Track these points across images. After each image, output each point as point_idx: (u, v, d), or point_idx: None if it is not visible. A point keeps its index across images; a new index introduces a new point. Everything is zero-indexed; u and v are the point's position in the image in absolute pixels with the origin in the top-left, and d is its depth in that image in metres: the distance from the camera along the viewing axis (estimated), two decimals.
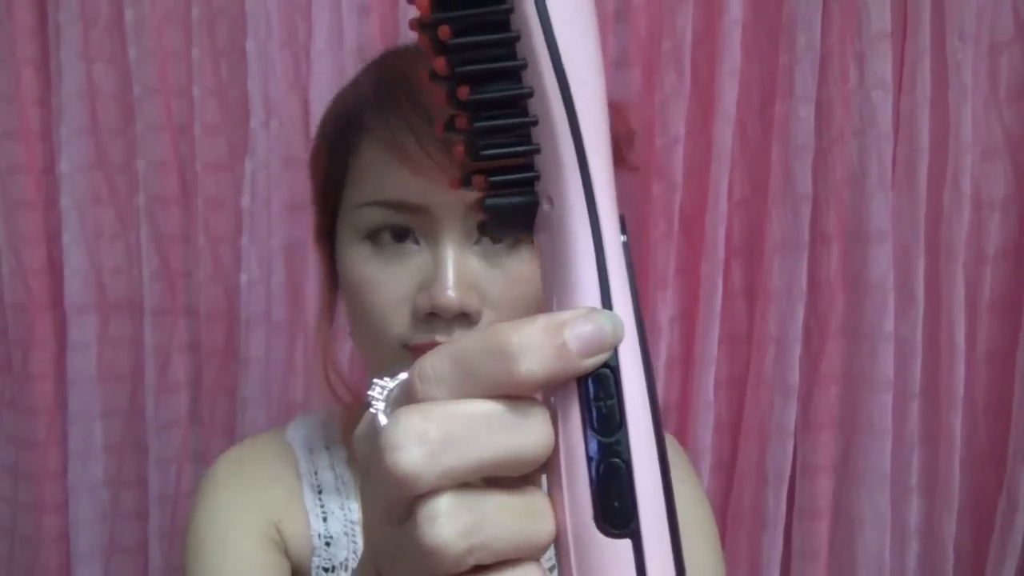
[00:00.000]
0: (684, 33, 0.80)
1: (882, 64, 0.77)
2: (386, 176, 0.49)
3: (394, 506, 0.21)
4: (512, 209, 0.23)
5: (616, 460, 0.22)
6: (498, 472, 0.21)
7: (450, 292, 0.47)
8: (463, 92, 0.22)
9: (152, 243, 0.90)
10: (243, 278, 0.87)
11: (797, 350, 0.81)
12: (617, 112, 0.61)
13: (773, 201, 0.81)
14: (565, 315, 0.21)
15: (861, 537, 0.81)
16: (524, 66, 0.22)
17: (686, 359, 0.85)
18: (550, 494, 0.23)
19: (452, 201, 0.48)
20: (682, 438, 0.84)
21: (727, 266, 0.83)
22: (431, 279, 0.48)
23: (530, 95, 0.22)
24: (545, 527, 0.22)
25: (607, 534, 0.22)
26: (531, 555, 0.22)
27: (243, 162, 0.86)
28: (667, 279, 0.83)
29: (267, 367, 0.87)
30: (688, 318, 0.85)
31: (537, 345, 0.21)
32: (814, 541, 0.82)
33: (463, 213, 0.48)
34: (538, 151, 0.23)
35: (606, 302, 0.22)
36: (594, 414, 0.22)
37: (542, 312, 0.23)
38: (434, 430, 0.20)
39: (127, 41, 0.87)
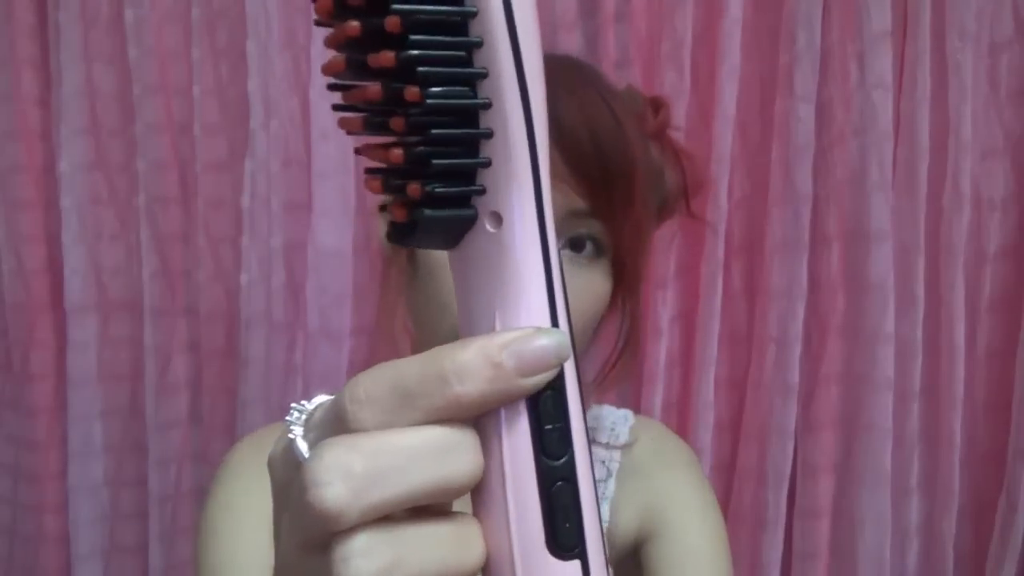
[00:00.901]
0: (684, 33, 0.80)
1: (882, 64, 0.77)
2: None
3: (312, 538, 0.21)
4: (450, 222, 0.22)
5: (564, 482, 0.21)
6: (426, 502, 0.21)
7: None
8: (413, 94, 0.21)
9: (152, 243, 0.90)
10: (243, 278, 0.87)
11: (797, 350, 0.81)
12: (692, 161, 0.61)
13: (773, 201, 0.81)
14: (509, 335, 0.21)
15: (861, 537, 0.81)
16: (484, 75, 0.21)
17: (686, 359, 0.85)
18: (489, 518, 0.22)
19: (555, 202, 0.48)
20: (682, 438, 0.84)
21: (727, 266, 0.83)
22: None
23: (488, 106, 0.21)
24: (472, 554, 0.21)
25: (558, 556, 0.21)
26: None
27: (243, 162, 0.86)
28: (667, 279, 0.83)
29: (267, 367, 0.87)
30: (688, 318, 0.85)
31: (476, 366, 0.20)
32: (814, 541, 0.82)
33: (561, 216, 0.50)
34: (488, 164, 0.22)
35: (554, 321, 0.22)
36: (543, 437, 0.21)
37: (471, 328, 0.23)
38: (360, 464, 0.19)
39: (127, 41, 0.88)
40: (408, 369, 0.21)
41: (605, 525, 0.60)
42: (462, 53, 0.21)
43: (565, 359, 0.21)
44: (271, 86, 0.85)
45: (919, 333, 0.80)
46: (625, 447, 0.62)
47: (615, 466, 0.61)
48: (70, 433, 0.92)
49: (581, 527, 0.21)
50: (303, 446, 0.22)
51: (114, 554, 0.94)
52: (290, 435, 0.23)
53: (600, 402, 0.67)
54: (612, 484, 0.61)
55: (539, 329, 0.21)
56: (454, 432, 0.21)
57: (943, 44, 0.78)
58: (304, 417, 0.23)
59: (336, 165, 0.85)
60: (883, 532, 0.81)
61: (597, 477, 0.61)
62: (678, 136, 0.68)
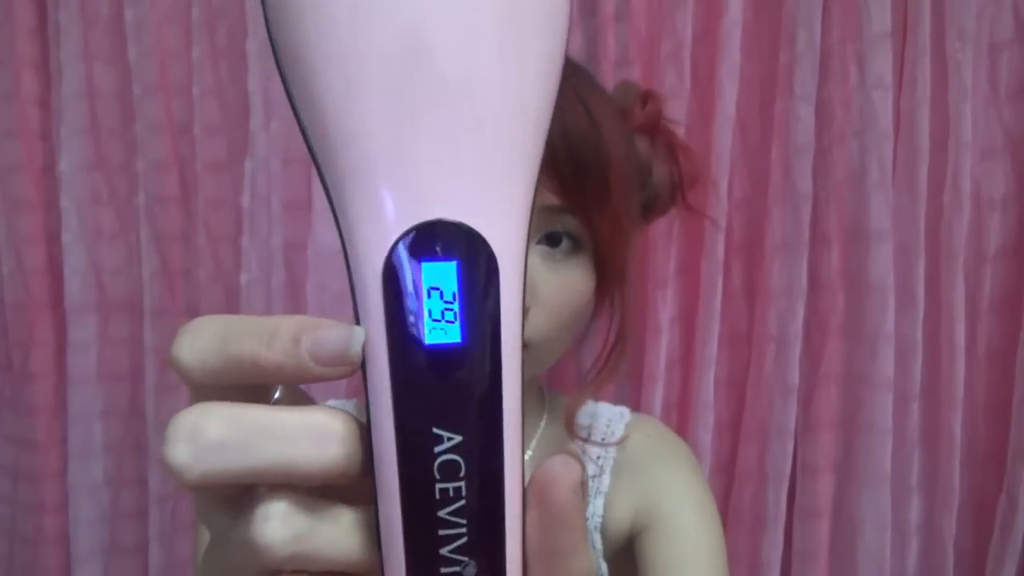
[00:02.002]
0: (684, 33, 0.80)
1: (882, 64, 0.77)
2: None
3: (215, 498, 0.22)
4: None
5: (374, 503, 0.22)
6: (275, 481, 0.21)
7: None
8: None
9: (152, 243, 0.90)
10: (243, 278, 0.87)
11: (797, 350, 0.81)
12: (688, 155, 0.61)
13: (773, 201, 0.81)
14: (321, 322, 0.21)
15: (861, 537, 0.81)
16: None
17: (686, 359, 0.85)
18: None
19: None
20: (682, 438, 0.84)
21: (727, 266, 0.83)
22: None
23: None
24: (359, 546, 0.22)
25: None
26: (361, 572, 0.22)
27: (243, 162, 0.86)
28: (667, 279, 0.83)
29: None
30: (688, 318, 0.85)
31: (284, 337, 0.20)
32: (814, 541, 0.82)
33: (535, 211, 0.49)
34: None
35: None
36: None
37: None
38: (210, 429, 0.20)
39: (127, 41, 0.88)
40: (244, 320, 0.21)
41: (599, 520, 0.60)
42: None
43: (349, 356, 0.21)
44: (271, 86, 0.85)
45: (919, 333, 0.80)
46: (619, 443, 0.62)
47: (609, 462, 0.62)
48: (70, 433, 0.92)
49: (379, 546, 0.22)
50: None
51: (114, 554, 0.94)
52: None
53: (597, 400, 0.67)
54: (607, 479, 0.61)
55: (342, 325, 0.21)
56: (316, 418, 0.21)
57: (943, 44, 0.78)
58: None
59: None
60: (883, 532, 0.81)
61: (589, 473, 0.61)
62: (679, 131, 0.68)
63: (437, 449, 0.20)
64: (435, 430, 0.20)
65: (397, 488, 0.21)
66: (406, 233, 0.20)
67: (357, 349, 0.21)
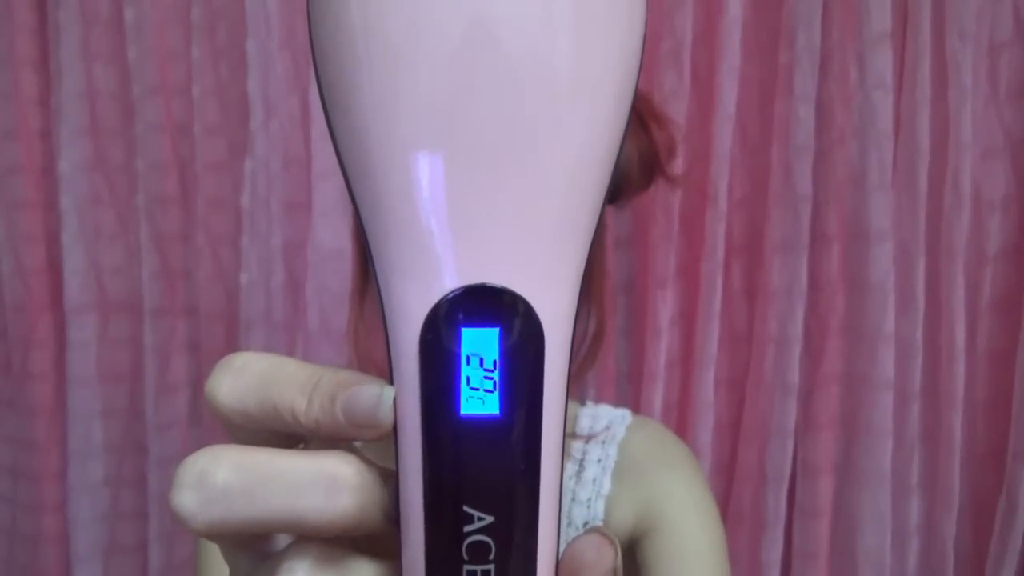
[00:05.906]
0: (684, 33, 0.80)
1: (882, 64, 0.77)
2: None
3: (239, 543, 0.21)
4: None
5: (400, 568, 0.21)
6: (286, 531, 0.20)
7: None
8: None
9: (152, 243, 0.90)
10: (243, 278, 0.87)
11: (797, 350, 0.81)
12: (660, 123, 0.61)
13: (773, 201, 0.81)
14: (361, 379, 0.20)
15: (861, 537, 0.81)
16: None
17: (686, 359, 0.85)
18: None
19: None
20: (682, 438, 0.84)
21: (727, 266, 0.83)
22: None
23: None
24: None
25: None
26: None
27: (243, 162, 0.86)
28: (667, 279, 0.83)
29: None
30: (688, 318, 0.85)
31: (323, 391, 0.20)
32: (814, 541, 0.82)
33: None
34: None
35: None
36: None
37: None
38: (220, 476, 0.19)
39: (127, 41, 0.88)
40: (291, 365, 0.20)
41: (600, 523, 0.60)
42: None
43: (378, 417, 0.19)
44: (271, 86, 0.85)
45: (919, 333, 0.80)
46: (621, 444, 0.62)
47: (611, 463, 0.62)
48: (70, 433, 0.92)
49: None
50: None
51: (114, 554, 0.94)
52: None
53: (598, 401, 0.67)
54: (608, 481, 0.61)
55: (377, 383, 0.20)
56: (327, 466, 0.20)
57: (943, 44, 0.78)
58: None
59: (336, 165, 0.84)
60: (883, 532, 0.81)
61: (592, 475, 0.61)
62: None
63: (466, 529, 0.19)
64: (465, 508, 0.19)
65: (423, 564, 0.20)
66: (448, 295, 0.18)
67: (386, 410, 0.19)
